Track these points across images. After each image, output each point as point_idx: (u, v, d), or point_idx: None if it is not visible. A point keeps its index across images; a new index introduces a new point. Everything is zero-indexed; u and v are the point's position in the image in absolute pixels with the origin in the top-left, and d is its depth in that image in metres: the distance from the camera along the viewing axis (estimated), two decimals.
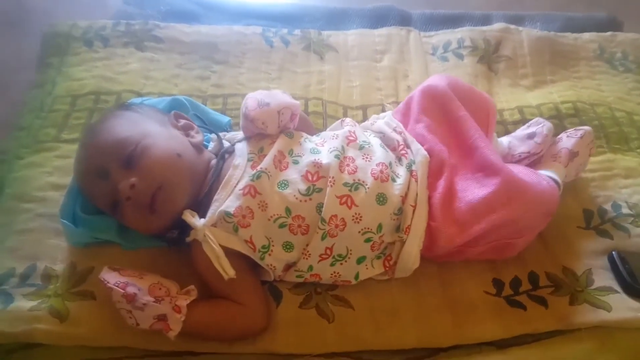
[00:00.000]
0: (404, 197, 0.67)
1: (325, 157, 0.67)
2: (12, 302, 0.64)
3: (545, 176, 0.74)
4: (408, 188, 0.68)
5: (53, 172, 0.79)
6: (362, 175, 0.67)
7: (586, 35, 1.14)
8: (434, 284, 0.73)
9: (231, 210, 0.64)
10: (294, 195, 0.65)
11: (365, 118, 0.93)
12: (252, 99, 0.69)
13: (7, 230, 0.72)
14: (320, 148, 0.70)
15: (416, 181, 0.69)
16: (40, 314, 0.63)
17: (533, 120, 0.87)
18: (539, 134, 0.82)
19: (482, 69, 1.05)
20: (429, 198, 0.69)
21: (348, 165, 0.68)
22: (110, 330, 0.64)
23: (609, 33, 1.15)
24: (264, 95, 0.70)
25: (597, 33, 1.15)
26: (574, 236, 0.80)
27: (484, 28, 1.12)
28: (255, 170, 0.66)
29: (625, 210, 0.83)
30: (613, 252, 0.77)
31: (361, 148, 0.71)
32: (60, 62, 0.97)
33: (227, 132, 0.84)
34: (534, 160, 0.82)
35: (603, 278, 0.74)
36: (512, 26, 1.12)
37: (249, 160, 0.68)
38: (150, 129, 0.68)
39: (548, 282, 0.74)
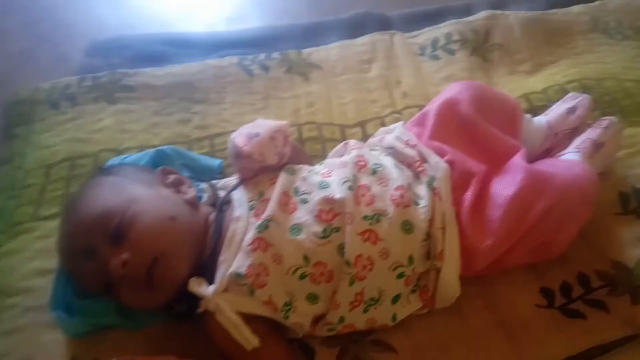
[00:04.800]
0: (431, 220, 0.60)
1: (337, 190, 0.60)
2: None
3: (579, 162, 0.67)
4: (433, 209, 0.61)
5: (36, 257, 0.70)
6: (382, 204, 0.60)
7: (575, 9, 1.09)
8: (478, 306, 0.65)
9: (242, 270, 0.56)
10: (310, 240, 0.58)
11: (364, 135, 0.86)
12: (240, 136, 0.63)
13: None
14: (328, 180, 0.62)
15: (440, 199, 0.62)
16: None
17: (568, 95, 0.83)
18: (580, 107, 0.79)
19: (476, 62, 0.99)
20: (457, 215, 0.62)
21: (364, 195, 0.60)
22: None
23: (597, 2, 1.11)
24: (250, 128, 0.64)
25: (586, 4, 1.10)
26: (614, 224, 0.73)
27: (470, 18, 1.06)
28: (260, 220, 0.58)
29: None
30: None
31: (374, 172, 0.63)
32: (27, 131, 0.89)
33: (220, 175, 0.77)
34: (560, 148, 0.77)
35: None
36: (498, 11, 1.06)
37: (250, 208, 0.61)
38: (136, 194, 0.60)
39: (601, 281, 0.67)
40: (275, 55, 1.01)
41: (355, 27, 1.10)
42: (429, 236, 0.60)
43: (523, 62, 0.99)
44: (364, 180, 0.62)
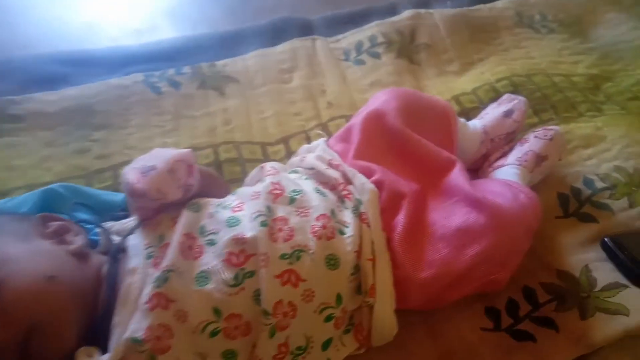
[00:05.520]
0: (359, 251, 0.53)
1: (249, 227, 0.51)
2: None
3: (521, 186, 0.62)
4: (361, 237, 0.54)
5: None
6: (302, 238, 0.52)
7: (500, 3, 1.07)
8: (420, 335, 0.59)
9: (139, 334, 0.46)
10: (220, 290, 0.49)
11: (288, 152, 0.78)
12: (132, 171, 0.53)
13: None
14: (239, 214, 0.54)
15: (368, 226, 0.55)
16: None
17: (503, 97, 0.80)
18: (517, 110, 0.75)
19: (403, 64, 0.93)
20: (388, 241, 0.55)
21: (281, 229, 0.52)
22: None
23: None
24: (144, 161, 0.54)
25: None
26: (555, 229, 0.70)
27: (394, 19, 1.01)
28: (159, 271, 0.49)
29: (599, 185, 0.74)
30: (605, 239, 0.67)
31: (292, 201, 0.56)
32: None
33: (124, 212, 0.66)
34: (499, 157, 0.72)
35: (604, 273, 0.65)
36: (422, 10, 1.02)
37: (147, 257, 0.51)
38: (5, 252, 0.49)
39: (547, 295, 0.63)
40: (186, 69, 0.91)
41: (275, 34, 1.02)
42: (357, 269, 0.53)
43: (451, 61, 0.95)
44: (281, 211, 0.54)
